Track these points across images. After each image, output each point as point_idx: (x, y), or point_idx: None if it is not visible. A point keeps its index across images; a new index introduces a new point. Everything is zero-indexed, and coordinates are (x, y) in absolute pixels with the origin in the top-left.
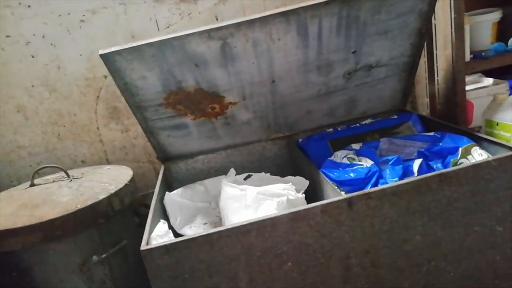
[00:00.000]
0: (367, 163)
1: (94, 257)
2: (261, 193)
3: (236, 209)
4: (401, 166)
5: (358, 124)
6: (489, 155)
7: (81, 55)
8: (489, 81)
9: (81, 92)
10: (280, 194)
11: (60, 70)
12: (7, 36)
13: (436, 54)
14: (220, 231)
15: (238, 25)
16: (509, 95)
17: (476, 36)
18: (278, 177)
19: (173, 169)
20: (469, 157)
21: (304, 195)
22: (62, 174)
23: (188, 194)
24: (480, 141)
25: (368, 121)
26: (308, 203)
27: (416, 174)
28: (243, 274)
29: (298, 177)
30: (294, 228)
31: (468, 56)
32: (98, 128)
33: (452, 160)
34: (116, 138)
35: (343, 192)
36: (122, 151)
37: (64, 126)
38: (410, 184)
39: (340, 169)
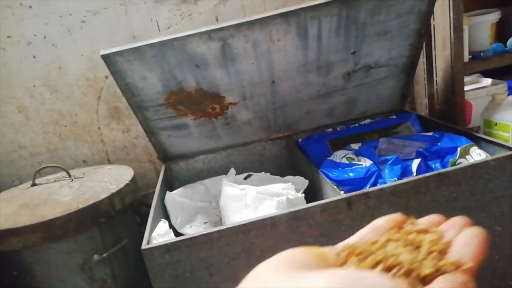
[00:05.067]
0: (366, 163)
1: (95, 257)
2: (261, 192)
3: (236, 209)
4: (400, 166)
5: (357, 124)
6: (488, 155)
7: (82, 55)
8: (487, 81)
9: (82, 93)
10: (280, 194)
11: (61, 71)
12: (8, 37)
13: (435, 55)
14: (220, 230)
15: (238, 26)
16: (508, 95)
17: (475, 36)
18: (278, 177)
19: (174, 169)
20: (468, 157)
21: (303, 194)
22: (63, 174)
23: (189, 194)
24: (478, 141)
25: (367, 121)
26: (307, 202)
27: (414, 174)
28: (243, 273)
29: (297, 177)
30: (293, 227)
31: (467, 57)
32: (99, 128)
33: (450, 160)
34: (117, 138)
35: (342, 192)
36: (123, 151)
37: (65, 126)
38: (408, 183)
39: (340, 168)
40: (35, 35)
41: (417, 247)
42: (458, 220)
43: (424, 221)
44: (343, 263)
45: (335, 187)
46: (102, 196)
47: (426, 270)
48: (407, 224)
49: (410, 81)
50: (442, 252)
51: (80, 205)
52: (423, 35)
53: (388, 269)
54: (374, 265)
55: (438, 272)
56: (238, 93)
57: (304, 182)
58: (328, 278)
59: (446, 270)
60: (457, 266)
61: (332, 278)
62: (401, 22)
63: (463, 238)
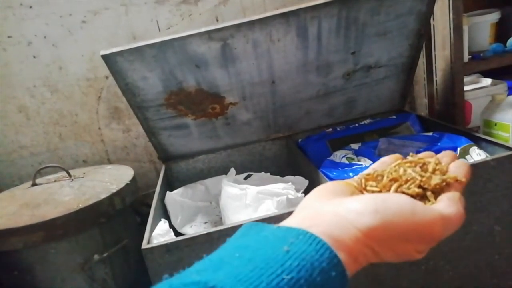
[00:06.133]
0: (366, 162)
1: (96, 256)
2: (261, 192)
3: (236, 208)
4: None
5: (357, 124)
6: (488, 155)
7: (82, 55)
8: (487, 81)
9: (83, 93)
10: (279, 194)
11: (61, 71)
12: (8, 37)
13: (435, 55)
14: (220, 230)
15: (238, 26)
16: (508, 95)
17: (475, 36)
18: (278, 177)
19: (174, 168)
20: (468, 157)
21: (303, 194)
22: (64, 173)
23: (189, 194)
24: (478, 141)
25: (367, 121)
26: None
27: None
28: None
29: (297, 177)
30: None
31: (466, 57)
32: (99, 128)
33: None
34: (117, 138)
35: None
36: (123, 151)
37: (65, 126)
38: None
39: (339, 168)
40: (36, 35)
41: (423, 167)
42: (448, 152)
43: (421, 155)
44: (364, 187)
45: None
46: (103, 196)
47: (435, 181)
48: (409, 156)
49: (410, 81)
50: (443, 172)
51: (80, 205)
52: (423, 36)
53: (403, 185)
54: (390, 182)
55: (444, 183)
56: (238, 93)
57: (304, 182)
58: (360, 200)
59: (450, 182)
60: (456, 180)
61: (364, 200)
62: (401, 23)
63: (455, 164)
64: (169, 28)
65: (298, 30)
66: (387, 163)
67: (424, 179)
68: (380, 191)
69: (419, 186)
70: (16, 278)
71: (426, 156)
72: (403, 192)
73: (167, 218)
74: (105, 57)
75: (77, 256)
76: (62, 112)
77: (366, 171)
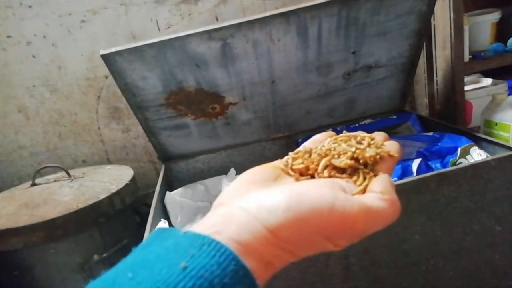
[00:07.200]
0: None
1: (95, 256)
2: None
3: None
4: (400, 166)
5: (357, 124)
6: (488, 155)
7: (82, 55)
8: (488, 81)
9: (82, 92)
10: None
11: (61, 70)
12: (8, 37)
13: (435, 55)
14: None
15: (238, 25)
16: (508, 95)
17: (475, 36)
18: None
19: (174, 168)
20: (468, 157)
21: None
22: (63, 173)
23: (189, 194)
24: (479, 141)
25: (367, 121)
26: None
27: (415, 174)
28: None
29: None
30: None
31: (467, 57)
32: (99, 128)
33: (451, 160)
34: (117, 138)
35: None
36: (123, 151)
37: (65, 126)
38: (409, 184)
39: None
40: (35, 35)
41: (359, 142)
42: (381, 133)
43: (354, 133)
44: (291, 167)
45: None
46: (102, 196)
47: (369, 153)
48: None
49: (410, 81)
50: (378, 146)
51: (80, 205)
52: (423, 35)
53: (335, 158)
54: (321, 157)
55: (378, 156)
56: (238, 93)
57: None
58: (275, 194)
59: (384, 156)
60: (389, 155)
61: (278, 194)
62: (401, 22)
63: (387, 143)
64: (169, 27)
65: (298, 30)
66: (320, 140)
67: (358, 151)
68: (307, 167)
69: (352, 158)
70: (16, 278)
71: (359, 134)
72: (334, 167)
73: (167, 218)
74: (105, 57)
75: (77, 256)
76: (62, 112)
77: (296, 150)
